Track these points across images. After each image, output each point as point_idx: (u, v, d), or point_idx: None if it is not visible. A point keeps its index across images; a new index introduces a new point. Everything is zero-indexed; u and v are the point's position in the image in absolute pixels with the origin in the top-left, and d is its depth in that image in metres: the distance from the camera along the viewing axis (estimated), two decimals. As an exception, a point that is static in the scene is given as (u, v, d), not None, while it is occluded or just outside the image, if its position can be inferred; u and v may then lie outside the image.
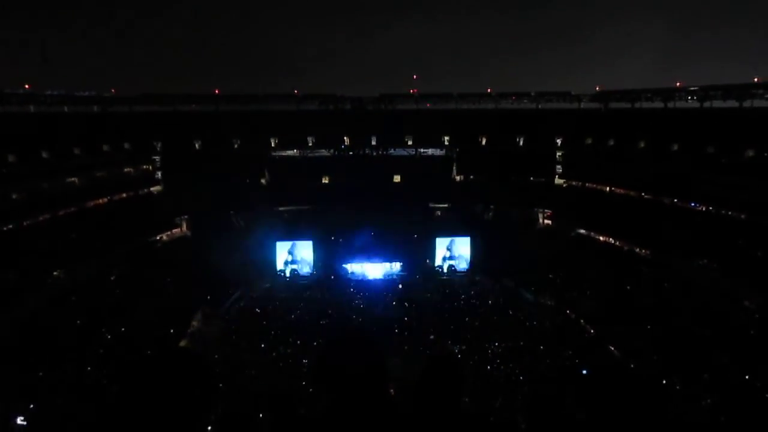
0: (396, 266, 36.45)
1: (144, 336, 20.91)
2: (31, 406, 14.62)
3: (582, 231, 38.37)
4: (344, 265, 35.95)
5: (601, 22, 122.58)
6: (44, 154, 36.20)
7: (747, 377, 16.26)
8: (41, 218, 31.58)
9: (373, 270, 36.01)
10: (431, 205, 44.86)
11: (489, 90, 50.72)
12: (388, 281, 35.02)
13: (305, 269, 35.77)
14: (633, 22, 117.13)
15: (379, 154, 47.85)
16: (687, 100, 44.07)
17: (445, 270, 36.80)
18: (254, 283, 33.14)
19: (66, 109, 44.38)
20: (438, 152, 49.27)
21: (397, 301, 29.87)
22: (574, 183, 44.77)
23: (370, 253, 36.38)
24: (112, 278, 28.80)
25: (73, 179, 37.30)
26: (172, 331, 23.65)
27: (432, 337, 23.07)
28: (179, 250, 35.72)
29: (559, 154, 46.86)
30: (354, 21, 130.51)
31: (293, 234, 36.70)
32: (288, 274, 35.39)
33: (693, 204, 34.48)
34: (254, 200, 41.48)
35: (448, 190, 45.74)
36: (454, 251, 37.23)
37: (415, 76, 68.42)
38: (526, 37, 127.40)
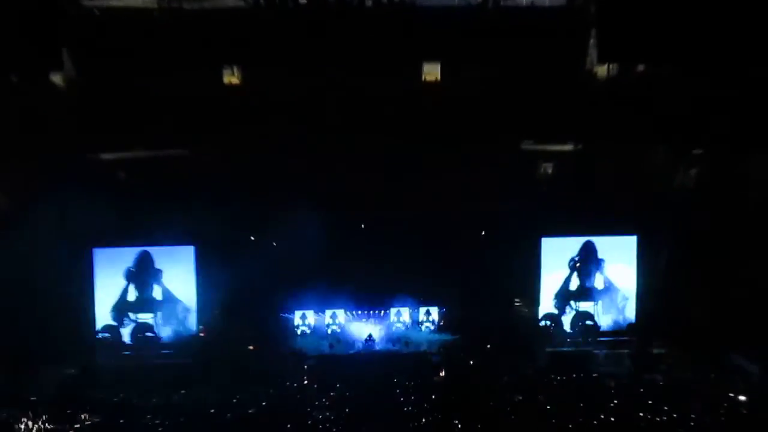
0: (428, 317, 32.08)
1: None
2: None
3: None
4: (287, 315, 31.74)
5: None
6: None
7: None
8: None
9: (367, 329, 31.56)
10: (525, 146, 36.66)
11: None
12: (405, 358, 30.77)
13: (170, 325, 30.83)
14: None
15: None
16: None
17: (568, 327, 31.67)
18: (38, 364, 29.36)
19: None
20: (544, -2, 41.63)
21: (431, 416, 24.31)
22: None
23: (357, 285, 32.23)
24: None
25: None
26: None
27: None
28: None
29: None
30: None
31: (141, 229, 31.46)
32: (128, 339, 30.47)
33: None
34: (37, 138, 34.41)
35: (575, 105, 35.50)
36: (593, 275, 31.71)
37: None
38: None
